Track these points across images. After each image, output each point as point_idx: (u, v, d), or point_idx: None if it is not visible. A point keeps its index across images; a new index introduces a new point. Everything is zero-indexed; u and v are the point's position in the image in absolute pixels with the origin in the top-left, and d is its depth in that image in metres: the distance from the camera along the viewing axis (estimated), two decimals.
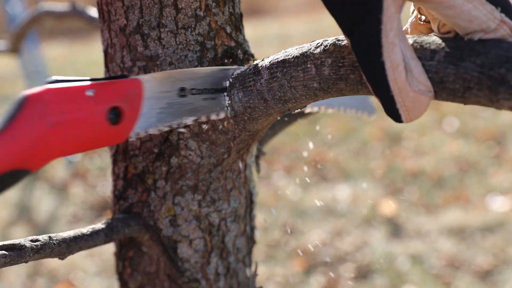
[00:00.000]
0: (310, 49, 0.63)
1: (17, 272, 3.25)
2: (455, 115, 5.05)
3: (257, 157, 0.83)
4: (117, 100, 0.66)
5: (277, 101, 0.65)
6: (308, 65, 0.62)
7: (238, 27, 0.74)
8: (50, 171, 4.29)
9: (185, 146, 0.72)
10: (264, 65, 0.65)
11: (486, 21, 0.67)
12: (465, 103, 0.61)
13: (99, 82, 0.68)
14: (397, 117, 0.64)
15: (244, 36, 0.76)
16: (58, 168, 4.32)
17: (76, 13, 1.08)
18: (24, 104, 0.76)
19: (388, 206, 3.75)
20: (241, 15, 0.75)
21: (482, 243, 3.45)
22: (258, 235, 1.01)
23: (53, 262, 3.30)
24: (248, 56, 0.74)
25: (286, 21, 9.66)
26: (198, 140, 0.71)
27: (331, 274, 3.15)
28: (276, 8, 11.54)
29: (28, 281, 3.23)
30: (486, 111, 5.08)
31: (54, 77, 0.70)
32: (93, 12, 1.08)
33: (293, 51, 0.64)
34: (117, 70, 0.75)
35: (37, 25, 1.36)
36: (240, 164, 0.76)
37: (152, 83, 0.68)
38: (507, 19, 0.62)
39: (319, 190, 3.97)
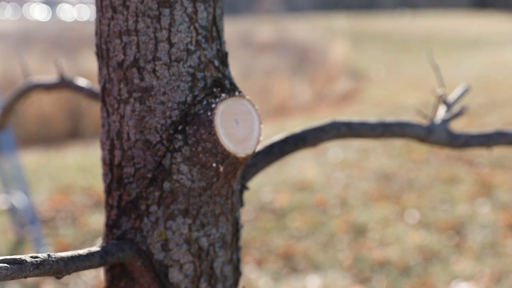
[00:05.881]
0: None
1: None
2: (416, 207, 5.10)
3: (241, 191, 0.84)
4: None
5: None
6: None
7: (224, 62, 0.76)
8: None
9: (177, 170, 0.73)
10: None
11: None
12: None
13: None
14: None
15: (229, 71, 0.78)
16: None
17: (65, 84, 1.11)
18: None
19: None
20: (226, 54, 0.78)
21: None
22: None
23: None
24: (234, 86, 0.76)
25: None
26: (189, 164, 0.73)
27: None
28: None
29: None
30: (445, 203, 5.14)
31: None
32: (81, 81, 1.11)
33: None
34: (114, 102, 0.76)
35: (26, 98, 1.37)
36: (228, 190, 0.77)
37: None
38: None
39: (289, 281, 3.95)
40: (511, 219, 4.86)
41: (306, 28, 28.46)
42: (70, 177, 6.24)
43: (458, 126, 6.25)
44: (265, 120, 11.13)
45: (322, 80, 15.75)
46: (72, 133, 9.97)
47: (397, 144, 7.05)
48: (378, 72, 16.84)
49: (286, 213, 5.15)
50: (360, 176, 6.19)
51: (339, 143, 7.29)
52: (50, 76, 1.21)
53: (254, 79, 13.42)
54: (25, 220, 4.61)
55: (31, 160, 7.44)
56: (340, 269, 4.18)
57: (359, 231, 4.76)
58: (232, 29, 26.50)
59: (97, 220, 4.93)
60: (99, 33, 0.77)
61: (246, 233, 4.65)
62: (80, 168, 6.93)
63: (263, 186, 5.79)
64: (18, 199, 4.75)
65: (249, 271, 4.08)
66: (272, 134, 5.60)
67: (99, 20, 0.75)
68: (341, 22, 35.77)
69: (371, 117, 5.92)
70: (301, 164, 6.41)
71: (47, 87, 1.17)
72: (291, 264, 4.31)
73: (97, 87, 1.04)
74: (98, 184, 5.75)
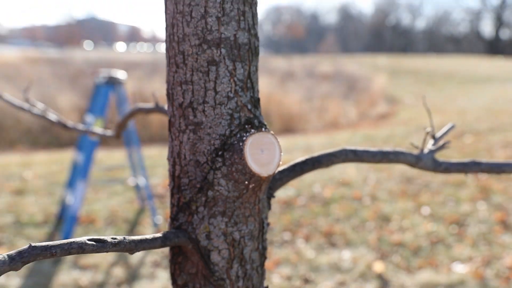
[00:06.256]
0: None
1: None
2: (428, 204, 4.97)
3: (269, 198, 0.82)
4: None
5: None
6: None
7: (256, 106, 0.75)
8: (141, 230, 4.29)
9: (217, 183, 0.72)
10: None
11: None
12: None
13: None
14: None
15: (260, 112, 0.76)
16: (148, 228, 4.33)
17: (158, 109, 1.11)
18: None
19: (379, 267, 3.66)
20: (258, 99, 0.76)
21: None
22: (279, 284, 0.98)
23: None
24: (262, 125, 0.74)
25: (310, 136, 9.74)
26: (226, 179, 0.72)
27: None
28: (304, 128, 11.66)
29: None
30: (452, 202, 4.97)
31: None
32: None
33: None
34: (176, 132, 0.76)
35: (133, 118, 1.39)
36: (255, 199, 0.76)
37: None
38: None
39: (329, 253, 3.90)
40: (502, 217, 4.67)
41: (355, 64, 28.12)
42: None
43: (468, 143, 6.00)
44: (320, 132, 11.03)
45: (366, 103, 15.51)
46: None
47: None
48: (409, 99, 16.45)
49: (330, 202, 5.10)
50: (387, 178, 6.07)
51: None
52: (149, 104, 1.22)
53: (314, 101, 13.35)
54: (145, 196, 4.73)
55: (151, 153, 7.64)
56: (366, 247, 4.12)
57: (383, 219, 4.68)
58: (301, 64, 26.44)
59: None
60: (167, 82, 0.76)
61: (298, 216, 4.63)
62: None
63: (314, 182, 5.76)
64: (141, 180, 4.87)
65: (299, 243, 4.06)
66: (325, 143, 5.62)
67: (168, 73, 0.74)
68: (382, 60, 35.07)
69: (400, 132, 5.84)
70: (344, 167, 6.34)
71: (147, 111, 1.18)
72: (330, 240, 4.26)
73: None
74: None
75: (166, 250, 4.13)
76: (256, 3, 0.71)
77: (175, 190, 0.78)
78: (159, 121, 10.54)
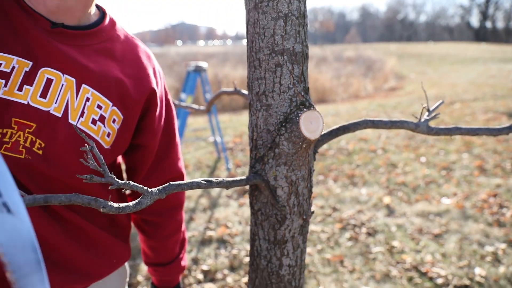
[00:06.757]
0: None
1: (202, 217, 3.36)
2: (425, 154, 4.85)
3: (314, 153, 0.83)
4: None
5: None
6: None
7: (306, 92, 0.77)
8: (218, 173, 4.42)
9: (282, 144, 0.75)
10: None
11: None
12: None
13: None
14: None
15: (309, 96, 0.77)
16: (223, 171, 4.45)
17: (237, 92, 1.14)
18: None
19: (387, 200, 3.66)
20: (308, 88, 0.77)
21: (436, 220, 3.30)
22: (316, 210, 1.02)
23: (220, 215, 3.40)
24: (310, 105, 0.75)
25: (338, 105, 9.57)
26: (288, 141, 0.74)
27: (355, 232, 3.10)
28: (333, 99, 11.43)
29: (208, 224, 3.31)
30: (442, 153, 4.82)
31: None
32: (244, 91, 1.09)
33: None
34: (254, 110, 0.78)
35: (219, 98, 1.44)
36: (306, 154, 0.78)
37: None
38: None
39: (351, 191, 3.91)
40: (480, 164, 4.50)
41: (372, 50, 26.89)
42: (242, 129, 6.45)
43: (457, 108, 5.77)
44: (345, 102, 10.76)
45: (380, 80, 14.93)
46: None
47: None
48: (413, 76, 15.72)
49: (352, 153, 5.06)
50: (395, 135, 5.93)
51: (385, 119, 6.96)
52: (230, 88, 1.23)
53: (341, 79, 13.00)
54: (221, 149, 4.85)
55: (224, 119, 7.77)
56: (378, 185, 4.10)
57: (391, 165, 4.61)
58: (331, 51, 25.62)
59: None
60: (248, 77, 0.78)
61: (329, 163, 4.64)
62: (247, 124, 7.10)
63: (341, 139, 5.71)
64: (218, 138, 4.97)
65: (329, 183, 4.08)
66: (349, 109, 5.57)
67: (248, 71, 0.77)
68: (393, 47, 33.32)
69: (406, 101, 5.71)
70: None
71: (229, 93, 1.20)
72: (352, 181, 4.26)
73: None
74: None
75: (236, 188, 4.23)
76: (307, 25, 0.74)
77: (253, 148, 0.81)
78: (230, 98, 10.60)
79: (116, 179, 0.60)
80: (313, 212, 0.85)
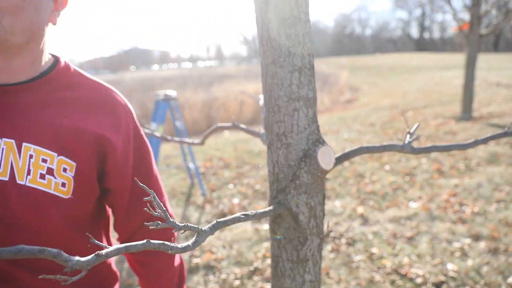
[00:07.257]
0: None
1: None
2: (388, 163, 5.09)
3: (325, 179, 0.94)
4: None
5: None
6: None
7: (318, 130, 0.86)
8: (194, 200, 4.40)
9: (302, 176, 0.83)
10: None
11: None
12: None
13: None
14: None
15: (321, 134, 0.86)
16: (198, 197, 4.44)
17: (235, 126, 1.20)
18: None
19: (360, 209, 3.82)
20: (318, 126, 0.86)
21: (407, 224, 3.48)
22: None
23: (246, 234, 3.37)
24: (323, 141, 0.84)
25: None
26: (307, 173, 0.83)
27: (336, 243, 3.22)
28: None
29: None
30: (404, 160, 5.10)
31: None
32: (242, 125, 1.11)
33: None
34: (274, 149, 0.85)
35: (215, 132, 1.49)
36: (322, 182, 0.87)
37: None
38: None
39: (326, 203, 4.05)
40: (438, 167, 4.80)
41: (324, 64, 27.80)
42: (211, 153, 6.46)
43: (410, 116, 6.09)
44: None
45: (336, 93, 15.48)
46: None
47: (377, 128, 6.93)
48: (366, 88, 16.41)
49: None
50: None
51: (350, 134, 7.19)
52: (228, 123, 1.25)
53: None
54: (195, 174, 4.83)
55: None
56: (350, 197, 4.25)
57: (359, 176, 4.80)
58: None
59: (227, 174, 5.09)
60: (267, 119, 0.85)
61: None
62: (215, 148, 7.08)
63: None
64: (190, 164, 4.96)
65: None
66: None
67: (268, 115, 0.85)
68: (343, 61, 34.60)
69: (363, 112, 5.99)
70: (328, 141, 6.41)
71: (224, 128, 1.19)
72: (325, 195, 4.39)
73: (244, 126, 1.13)
74: (226, 155, 5.91)
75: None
76: (314, 75, 0.86)
77: (274, 181, 0.89)
78: (193, 122, 10.56)
79: (177, 223, 0.68)
80: (331, 231, 0.95)
